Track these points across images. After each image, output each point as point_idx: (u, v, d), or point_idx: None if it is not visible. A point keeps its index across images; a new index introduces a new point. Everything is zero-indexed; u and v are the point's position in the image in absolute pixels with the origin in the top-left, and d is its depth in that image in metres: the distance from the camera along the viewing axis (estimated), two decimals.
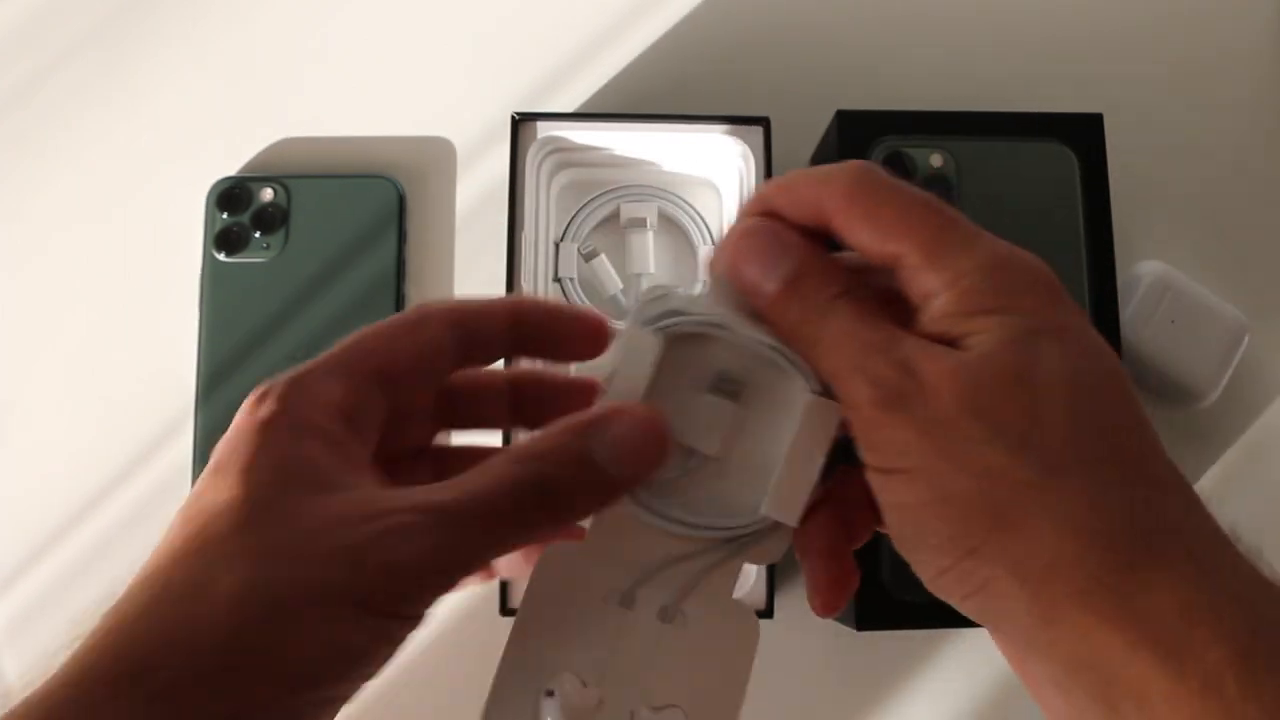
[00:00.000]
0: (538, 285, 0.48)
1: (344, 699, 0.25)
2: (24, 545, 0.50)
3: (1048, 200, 0.47)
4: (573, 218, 0.51)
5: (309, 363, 0.28)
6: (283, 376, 0.28)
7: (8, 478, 0.51)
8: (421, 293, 0.52)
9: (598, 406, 0.27)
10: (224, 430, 0.55)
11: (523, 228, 0.47)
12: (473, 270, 0.53)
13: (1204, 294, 0.50)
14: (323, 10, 0.56)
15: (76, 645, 0.24)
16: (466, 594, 0.29)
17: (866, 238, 0.26)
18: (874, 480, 0.26)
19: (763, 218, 0.27)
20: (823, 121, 0.49)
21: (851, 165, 0.27)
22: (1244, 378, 0.51)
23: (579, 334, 0.30)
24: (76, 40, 0.56)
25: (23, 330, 0.53)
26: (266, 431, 0.26)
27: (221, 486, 0.25)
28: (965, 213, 0.28)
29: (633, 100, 0.55)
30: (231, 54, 0.56)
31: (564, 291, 0.50)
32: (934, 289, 0.25)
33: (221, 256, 0.51)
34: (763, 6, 0.56)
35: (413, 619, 0.25)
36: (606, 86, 0.55)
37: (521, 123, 0.48)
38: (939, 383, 0.24)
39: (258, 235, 0.51)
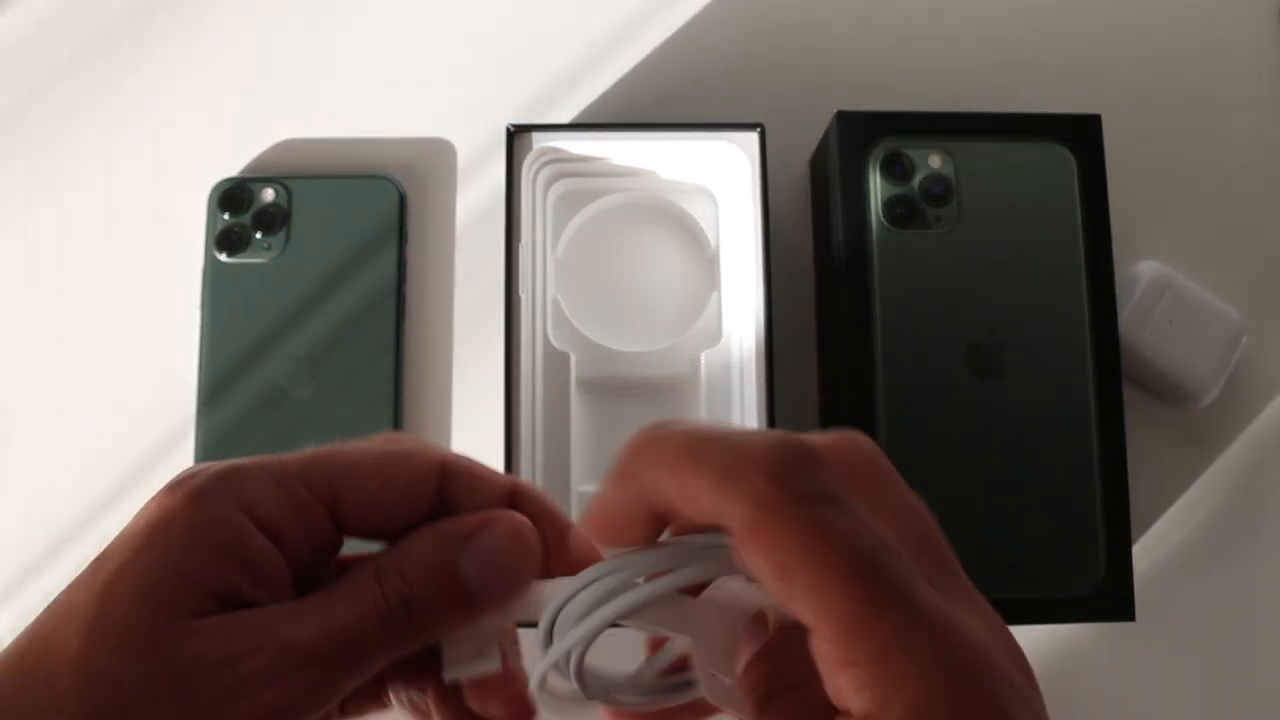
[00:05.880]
0: (535, 296, 0.49)
1: None
2: (27, 548, 0.50)
3: (1046, 201, 0.47)
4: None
5: (262, 457, 0.24)
6: (219, 465, 0.24)
7: (11, 478, 0.52)
8: (423, 293, 0.53)
9: (473, 514, 0.24)
10: (225, 433, 0.55)
11: (519, 239, 0.47)
12: (473, 271, 0.53)
13: (1202, 294, 0.50)
14: (324, 11, 0.56)
15: None
16: None
17: (768, 581, 0.20)
18: None
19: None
20: (823, 122, 0.50)
21: (762, 472, 0.20)
22: (1242, 377, 0.51)
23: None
24: (78, 43, 0.56)
25: (24, 330, 0.53)
26: (156, 532, 0.23)
27: (84, 593, 0.22)
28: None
29: (634, 107, 0.55)
30: (233, 55, 0.56)
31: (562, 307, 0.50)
32: (848, 699, 0.19)
33: (223, 257, 0.51)
34: (762, 7, 0.56)
35: None
36: (608, 91, 0.55)
37: (516, 134, 0.48)
38: None
39: (259, 236, 0.51)
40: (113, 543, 0.23)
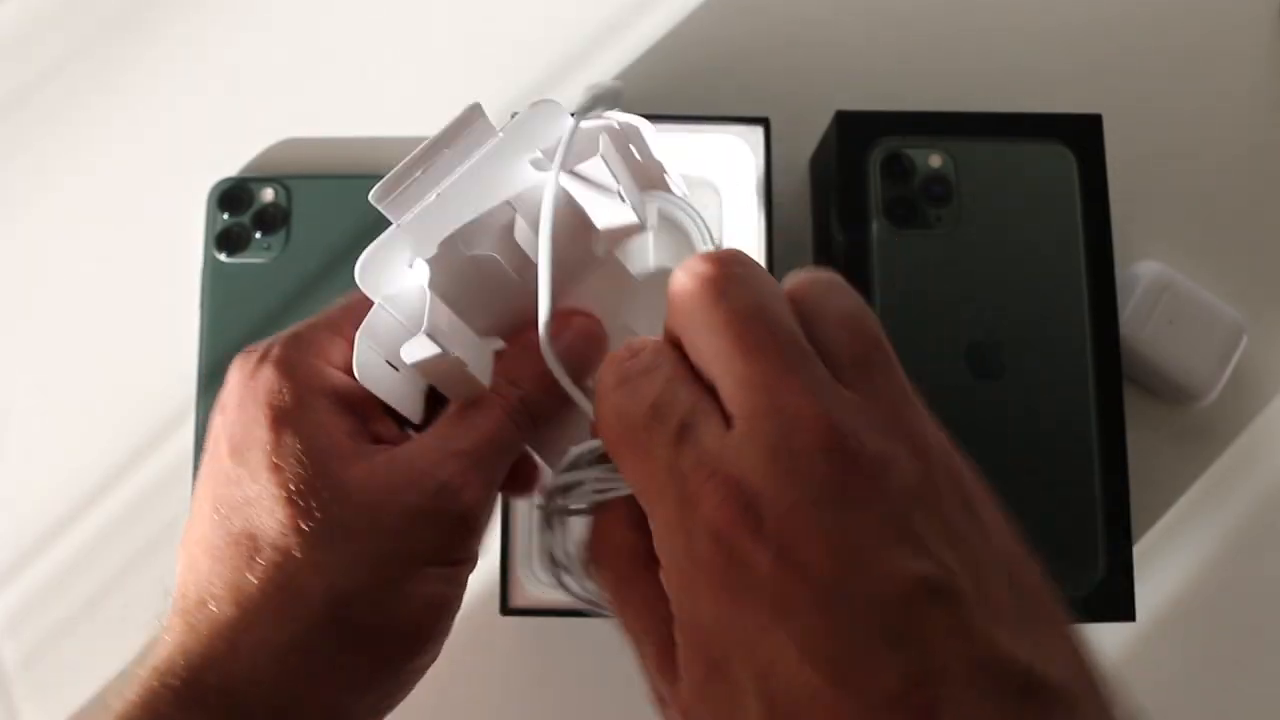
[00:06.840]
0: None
1: (439, 650, 0.28)
2: (24, 540, 0.51)
3: (1046, 200, 0.47)
4: None
5: (306, 321, 0.29)
6: (279, 336, 0.29)
7: (11, 475, 0.52)
8: None
9: (543, 318, 0.28)
10: None
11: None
12: None
13: (1202, 294, 0.50)
14: (323, 11, 0.56)
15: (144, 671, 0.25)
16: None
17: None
18: None
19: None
20: (823, 121, 0.50)
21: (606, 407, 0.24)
22: (1242, 378, 0.51)
23: None
24: (78, 41, 0.56)
25: (23, 330, 0.53)
26: (277, 407, 0.27)
27: (253, 483, 0.26)
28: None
29: (634, 100, 0.55)
30: (233, 54, 0.56)
31: None
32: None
33: (223, 257, 0.51)
34: (762, 6, 0.56)
35: (474, 558, 0.29)
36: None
37: None
38: None
39: (259, 235, 0.51)
40: (233, 425, 0.28)
